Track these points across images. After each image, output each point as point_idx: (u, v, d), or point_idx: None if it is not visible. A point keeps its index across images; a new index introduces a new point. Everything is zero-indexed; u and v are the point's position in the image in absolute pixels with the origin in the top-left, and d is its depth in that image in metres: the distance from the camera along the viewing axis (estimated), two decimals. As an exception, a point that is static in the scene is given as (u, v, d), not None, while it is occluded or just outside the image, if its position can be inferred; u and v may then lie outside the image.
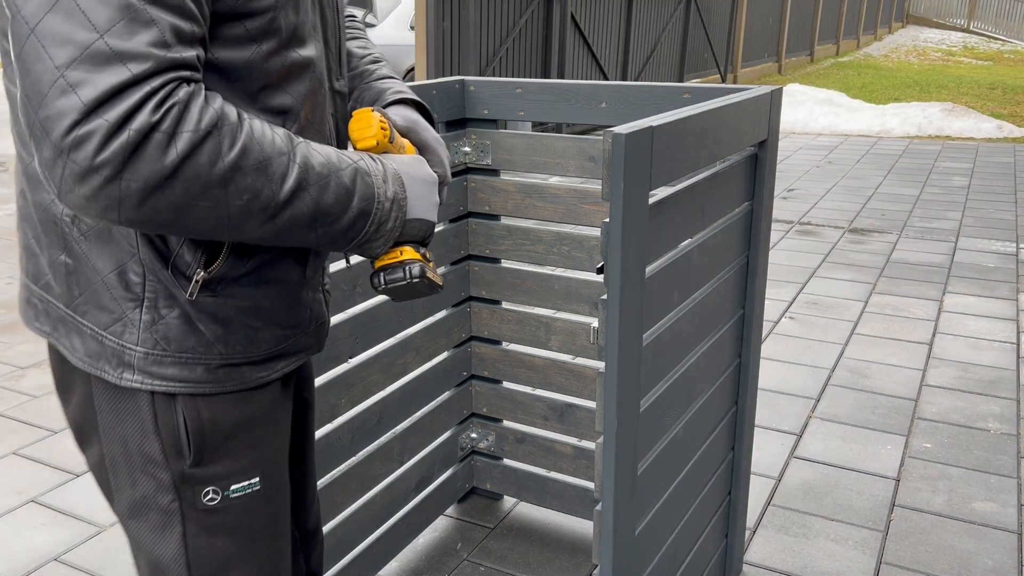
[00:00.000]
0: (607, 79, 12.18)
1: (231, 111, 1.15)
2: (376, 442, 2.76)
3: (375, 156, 1.38)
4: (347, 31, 1.78)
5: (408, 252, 1.45)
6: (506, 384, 3.52)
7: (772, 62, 20.26)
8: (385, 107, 1.64)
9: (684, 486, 2.30)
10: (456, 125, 2.92)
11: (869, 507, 3.41)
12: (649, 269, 1.92)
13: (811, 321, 5.37)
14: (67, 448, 3.81)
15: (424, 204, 1.42)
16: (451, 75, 9.76)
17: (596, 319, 1.78)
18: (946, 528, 3.28)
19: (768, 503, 3.44)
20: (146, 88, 1.05)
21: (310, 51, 1.36)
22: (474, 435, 3.29)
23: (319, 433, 2.48)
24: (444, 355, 3.08)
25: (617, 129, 1.66)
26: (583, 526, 3.27)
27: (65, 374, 1.43)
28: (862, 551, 3.14)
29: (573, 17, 11.24)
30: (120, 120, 1.04)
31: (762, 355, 4.85)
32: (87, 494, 3.47)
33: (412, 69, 11.99)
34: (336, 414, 2.52)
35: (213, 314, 1.35)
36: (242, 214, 1.17)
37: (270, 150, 1.18)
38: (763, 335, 5.06)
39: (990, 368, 4.69)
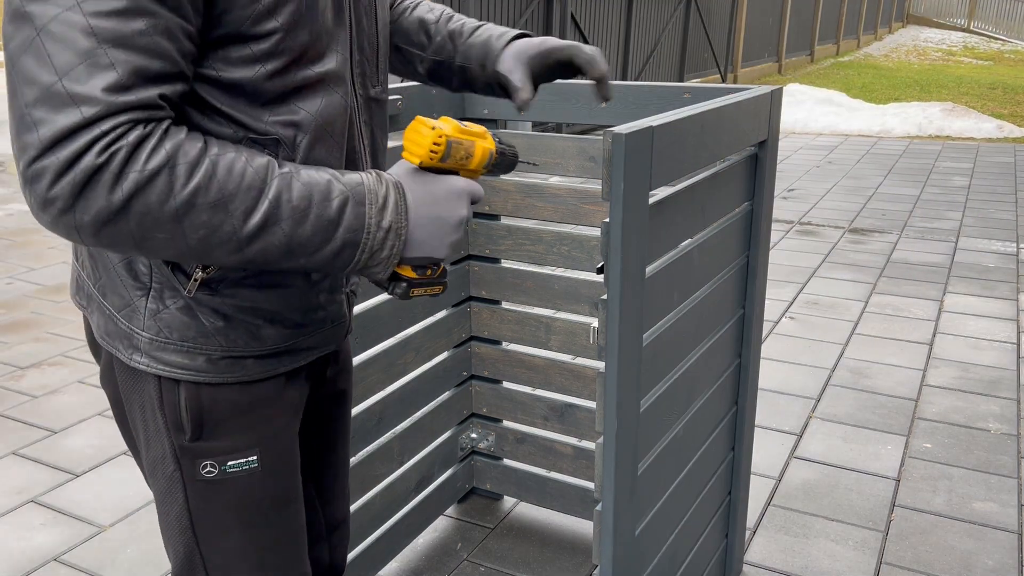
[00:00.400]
0: (607, 79, 12.18)
1: (192, 149, 1.19)
2: (376, 442, 2.76)
3: (388, 179, 1.36)
4: (403, 7, 1.82)
5: (405, 269, 1.42)
6: (506, 384, 3.52)
7: (772, 62, 20.26)
8: (502, 51, 1.74)
9: (684, 486, 2.30)
10: (456, 125, 2.92)
11: (869, 507, 3.41)
12: (649, 269, 1.92)
13: (811, 321, 5.37)
14: (67, 448, 3.81)
15: (431, 244, 1.39)
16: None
17: (596, 319, 1.78)
18: (946, 528, 3.28)
19: (768, 503, 3.44)
20: (95, 131, 1.12)
21: (327, 66, 1.37)
22: (474, 435, 3.29)
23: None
24: (444, 355, 3.08)
25: (617, 129, 1.66)
26: (583, 526, 3.27)
27: (94, 342, 1.55)
28: (862, 551, 3.14)
29: (573, 17, 11.25)
30: (69, 160, 1.11)
31: (762, 355, 4.85)
32: (87, 494, 3.47)
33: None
34: (336, 414, 2.52)
35: (214, 309, 1.41)
36: (202, 246, 1.22)
37: (234, 187, 1.21)
38: (763, 335, 5.06)
39: (990, 368, 4.69)
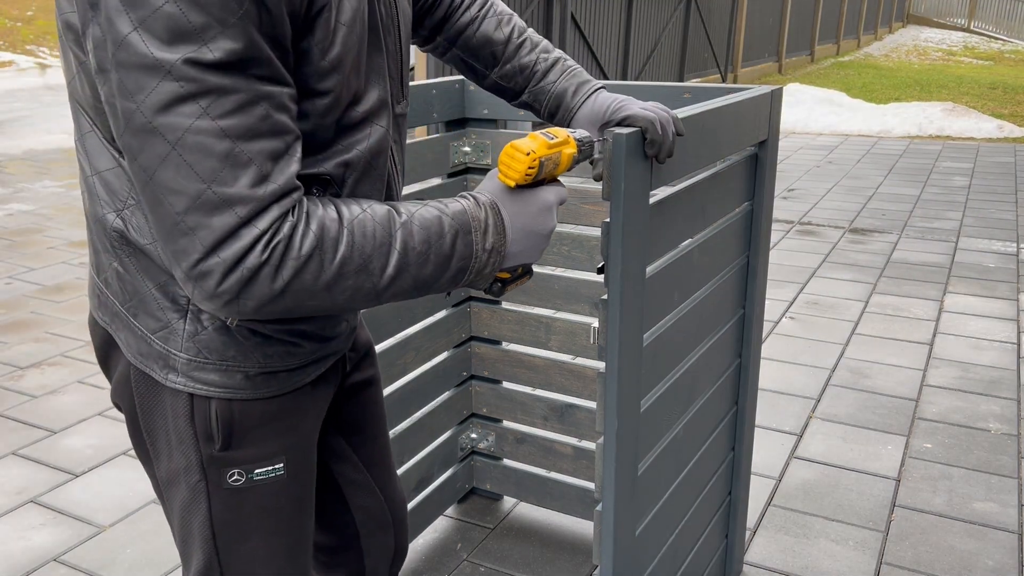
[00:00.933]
0: (607, 79, 12.19)
1: (331, 223, 1.26)
2: (376, 442, 2.76)
3: (484, 202, 1.41)
4: (467, 18, 1.81)
5: (499, 273, 1.50)
6: (506, 384, 3.52)
7: (772, 62, 20.25)
8: (576, 111, 1.77)
9: (684, 486, 2.30)
10: (456, 125, 2.92)
11: (869, 507, 3.41)
12: (649, 269, 1.92)
13: (811, 321, 5.37)
14: (67, 448, 3.81)
15: (526, 254, 1.46)
16: (451, 75, 9.76)
17: (596, 319, 1.78)
18: (947, 528, 3.28)
19: (768, 503, 3.44)
20: (255, 231, 1.19)
21: (371, 100, 1.41)
22: (474, 435, 3.29)
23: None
24: (444, 355, 3.08)
25: (618, 129, 1.66)
26: (583, 526, 3.27)
27: (109, 352, 1.53)
28: (862, 551, 3.14)
29: (573, 17, 11.24)
30: (234, 260, 1.19)
31: (762, 355, 4.85)
32: (87, 494, 3.47)
33: (412, 68, 11.99)
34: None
35: (253, 330, 1.44)
36: (346, 304, 1.30)
37: (370, 249, 1.28)
38: (763, 335, 5.06)
39: (991, 368, 4.69)
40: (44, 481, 3.55)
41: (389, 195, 1.53)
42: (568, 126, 1.80)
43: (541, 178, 1.46)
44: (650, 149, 1.71)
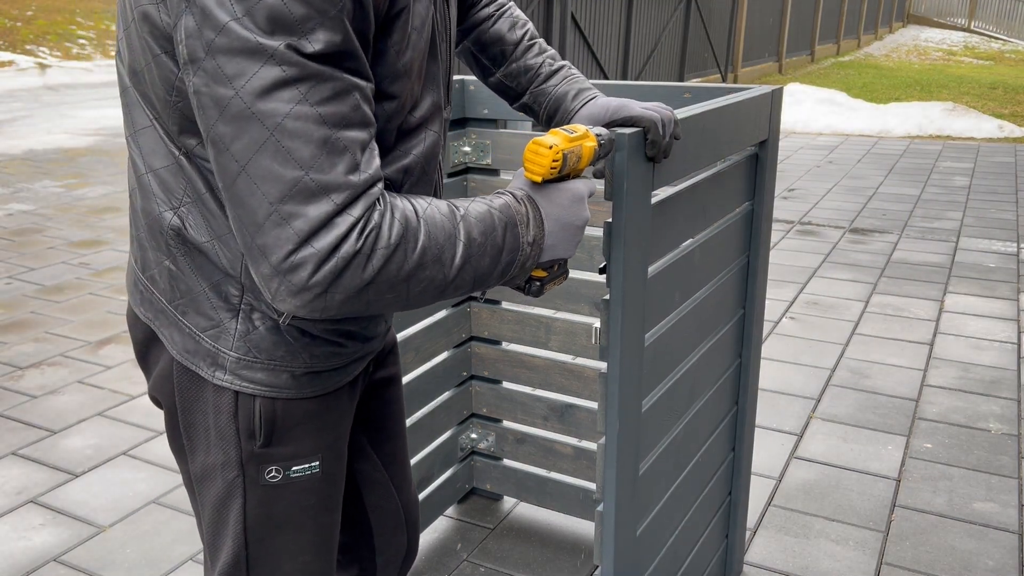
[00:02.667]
0: (607, 78, 12.19)
1: (411, 214, 1.27)
2: (376, 442, 2.76)
3: (522, 196, 1.44)
4: (485, 13, 1.84)
5: (536, 271, 1.52)
6: (506, 384, 3.52)
7: (772, 62, 20.26)
8: (575, 114, 1.79)
9: (685, 486, 2.30)
10: (456, 125, 2.92)
11: (870, 507, 3.41)
12: (651, 269, 1.93)
13: (812, 321, 5.37)
14: (67, 448, 3.81)
15: (562, 247, 1.48)
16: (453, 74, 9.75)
17: (598, 319, 1.78)
18: (947, 529, 3.28)
19: (768, 503, 3.44)
20: (349, 219, 1.19)
21: (426, 105, 1.43)
22: (474, 435, 3.29)
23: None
24: (444, 355, 3.08)
25: (620, 129, 1.66)
26: (583, 526, 3.27)
27: (150, 347, 1.54)
28: (863, 551, 3.14)
29: (573, 16, 11.25)
30: (330, 249, 1.18)
31: (763, 355, 4.85)
32: (87, 494, 3.47)
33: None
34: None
35: (302, 330, 1.45)
36: (417, 298, 1.31)
37: (443, 239, 1.30)
38: (764, 335, 5.06)
39: (991, 368, 4.69)
40: (44, 481, 3.55)
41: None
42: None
43: (566, 172, 1.48)
44: (651, 150, 1.72)
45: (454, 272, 1.32)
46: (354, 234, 1.19)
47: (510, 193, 1.44)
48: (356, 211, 1.19)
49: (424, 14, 1.35)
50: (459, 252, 1.31)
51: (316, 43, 1.15)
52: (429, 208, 1.30)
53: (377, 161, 1.24)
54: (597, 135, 1.55)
